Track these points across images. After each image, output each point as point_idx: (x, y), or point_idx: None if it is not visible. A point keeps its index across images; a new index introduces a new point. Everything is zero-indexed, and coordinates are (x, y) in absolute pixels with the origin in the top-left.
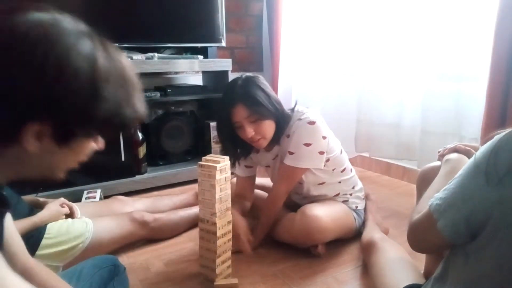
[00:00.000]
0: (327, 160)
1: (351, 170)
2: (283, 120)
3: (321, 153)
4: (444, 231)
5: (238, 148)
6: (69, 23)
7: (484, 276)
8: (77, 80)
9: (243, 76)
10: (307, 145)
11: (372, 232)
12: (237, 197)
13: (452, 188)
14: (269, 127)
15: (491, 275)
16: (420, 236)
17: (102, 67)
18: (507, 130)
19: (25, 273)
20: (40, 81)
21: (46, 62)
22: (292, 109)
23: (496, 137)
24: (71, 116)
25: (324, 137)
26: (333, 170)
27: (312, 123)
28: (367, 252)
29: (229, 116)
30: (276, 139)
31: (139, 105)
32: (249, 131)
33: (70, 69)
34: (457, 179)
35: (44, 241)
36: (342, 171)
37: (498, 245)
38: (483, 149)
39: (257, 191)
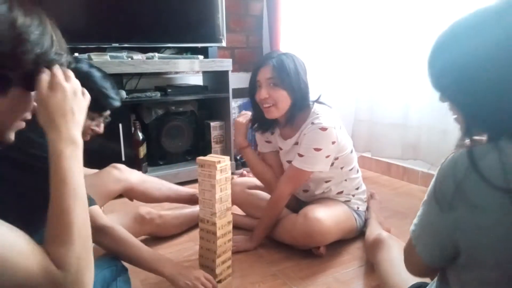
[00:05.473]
0: (336, 159)
1: (357, 171)
2: (300, 104)
3: (327, 156)
4: (422, 256)
5: (258, 112)
6: None
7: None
8: None
9: (288, 51)
10: (317, 150)
11: (378, 230)
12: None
13: (420, 215)
14: (284, 98)
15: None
16: (410, 260)
17: (21, 14)
18: (451, 155)
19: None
20: None
21: None
22: (315, 101)
23: (441, 164)
24: (1, 61)
25: (333, 142)
26: (341, 168)
27: (324, 129)
28: (374, 249)
29: (256, 74)
30: (289, 120)
31: (62, 46)
32: (264, 93)
33: None
34: (422, 206)
35: None
36: (350, 170)
37: (479, 267)
38: (435, 176)
39: (257, 191)
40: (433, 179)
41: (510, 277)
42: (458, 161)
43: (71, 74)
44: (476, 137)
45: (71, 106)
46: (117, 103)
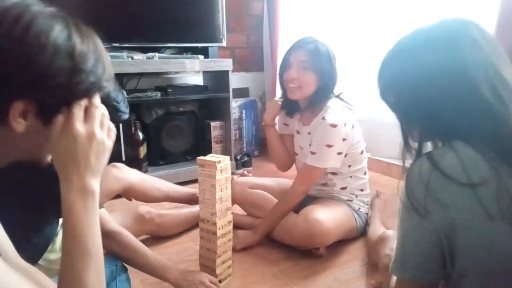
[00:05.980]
0: (345, 156)
1: (365, 173)
2: (324, 92)
3: (339, 153)
4: (418, 279)
5: (285, 93)
6: (39, 6)
7: None
8: (58, 55)
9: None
10: (329, 146)
11: (381, 229)
12: None
13: (399, 243)
14: (310, 82)
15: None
16: None
17: (78, 42)
18: (411, 165)
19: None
20: (23, 59)
21: (26, 41)
22: (335, 96)
23: (406, 176)
24: (56, 91)
25: (344, 139)
26: (349, 166)
27: (334, 126)
28: (379, 246)
29: (289, 54)
30: (310, 105)
31: (110, 70)
32: (293, 73)
33: (50, 45)
34: (399, 233)
35: (51, 246)
36: (357, 169)
37: (475, 268)
38: (401, 190)
39: (258, 191)
40: (403, 193)
41: (505, 271)
42: (421, 166)
43: (97, 112)
44: (411, 144)
45: (86, 152)
46: (126, 117)
